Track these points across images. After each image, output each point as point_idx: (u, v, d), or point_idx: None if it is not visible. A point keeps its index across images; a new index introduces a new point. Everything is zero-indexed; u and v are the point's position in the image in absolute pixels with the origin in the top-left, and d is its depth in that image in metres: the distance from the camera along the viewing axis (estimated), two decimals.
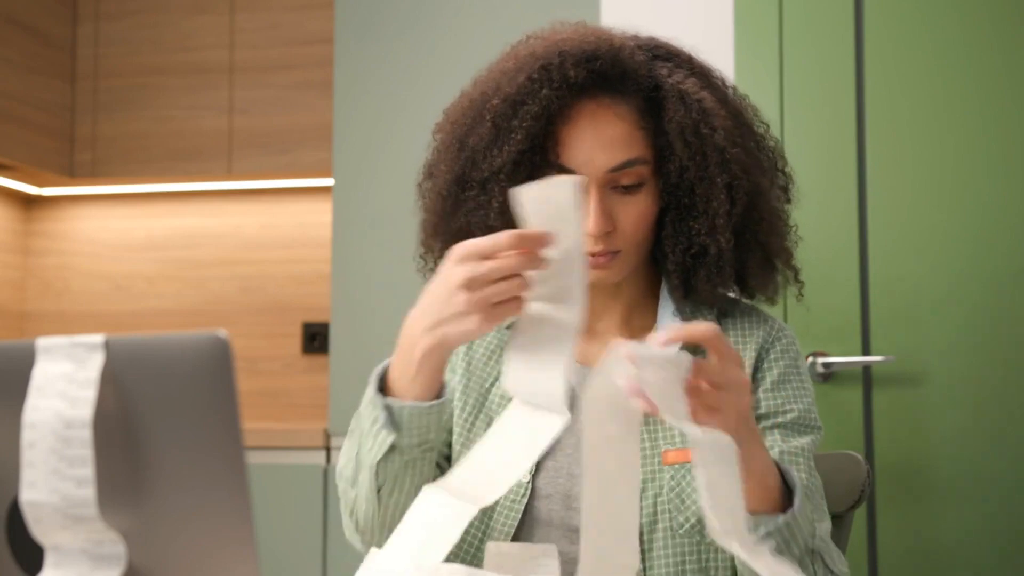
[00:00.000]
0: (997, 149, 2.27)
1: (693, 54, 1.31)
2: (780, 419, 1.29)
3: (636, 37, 1.31)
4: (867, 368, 2.29)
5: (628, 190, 1.23)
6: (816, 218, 2.31)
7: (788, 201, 1.35)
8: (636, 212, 1.24)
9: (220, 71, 3.25)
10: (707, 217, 1.24)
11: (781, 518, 1.07)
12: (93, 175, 3.32)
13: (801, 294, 1.38)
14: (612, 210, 1.23)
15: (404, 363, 1.14)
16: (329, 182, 3.08)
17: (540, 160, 1.22)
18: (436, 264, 1.35)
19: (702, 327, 0.97)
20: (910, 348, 2.27)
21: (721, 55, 2.39)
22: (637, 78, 1.23)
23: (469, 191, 1.27)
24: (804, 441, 1.29)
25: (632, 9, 2.45)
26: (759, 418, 1.29)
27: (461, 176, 1.27)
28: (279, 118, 3.20)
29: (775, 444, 1.27)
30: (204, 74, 3.26)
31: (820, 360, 2.28)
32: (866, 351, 2.30)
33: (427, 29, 2.72)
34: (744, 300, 1.39)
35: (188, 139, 3.25)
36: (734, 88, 1.32)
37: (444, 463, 1.36)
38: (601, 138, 1.22)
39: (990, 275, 2.25)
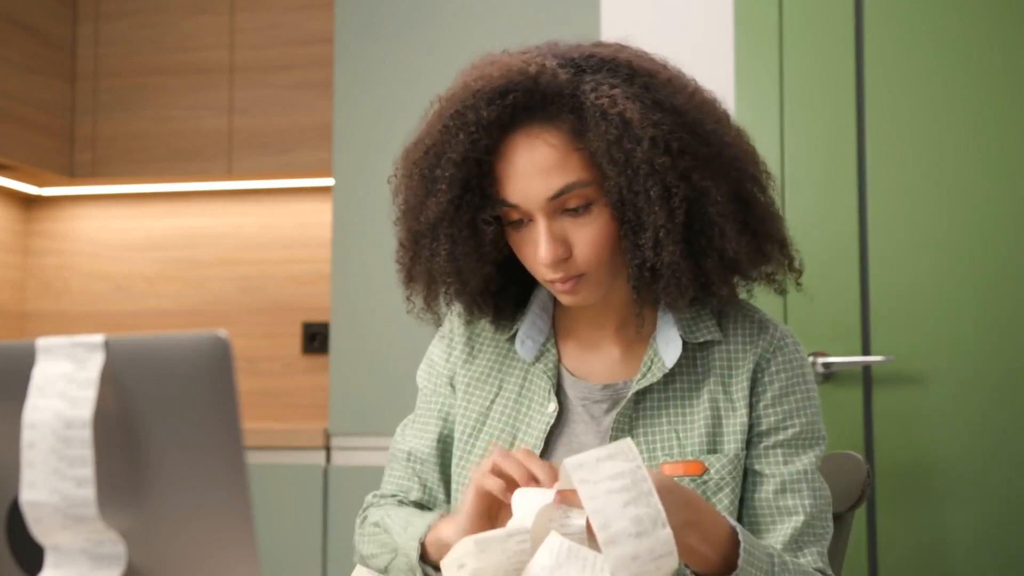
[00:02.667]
0: (997, 149, 2.27)
1: (642, 53, 1.27)
2: (781, 436, 1.28)
3: (576, 47, 1.27)
4: (867, 368, 2.29)
5: (578, 213, 1.21)
6: (816, 218, 2.31)
7: (764, 189, 1.29)
8: (590, 234, 1.22)
9: (220, 71, 3.25)
10: (651, 231, 1.20)
11: None
12: (93, 175, 3.32)
13: (799, 283, 1.34)
14: (565, 235, 1.22)
15: (440, 546, 1.21)
16: (329, 182, 3.08)
17: (480, 200, 1.22)
18: (426, 303, 1.36)
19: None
20: (910, 348, 2.27)
21: (721, 55, 2.39)
22: (561, 101, 1.20)
23: (422, 240, 1.29)
24: (807, 460, 1.28)
25: (632, 9, 2.45)
26: (760, 435, 1.28)
27: (410, 228, 1.30)
28: (279, 118, 3.20)
29: (776, 472, 1.27)
30: (204, 74, 3.26)
31: (820, 360, 2.28)
32: (866, 351, 2.30)
33: (427, 29, 2.72)
34: (746, 301, 1.36)
35: (188, 139, 3.25)
36: (687, 85, 1.26)
37: (438, 489, 1.38)
38: (535, 168, 1.20)
39: (990, 275, 2.25)
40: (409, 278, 1.35)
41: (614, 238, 1.24)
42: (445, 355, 1.40)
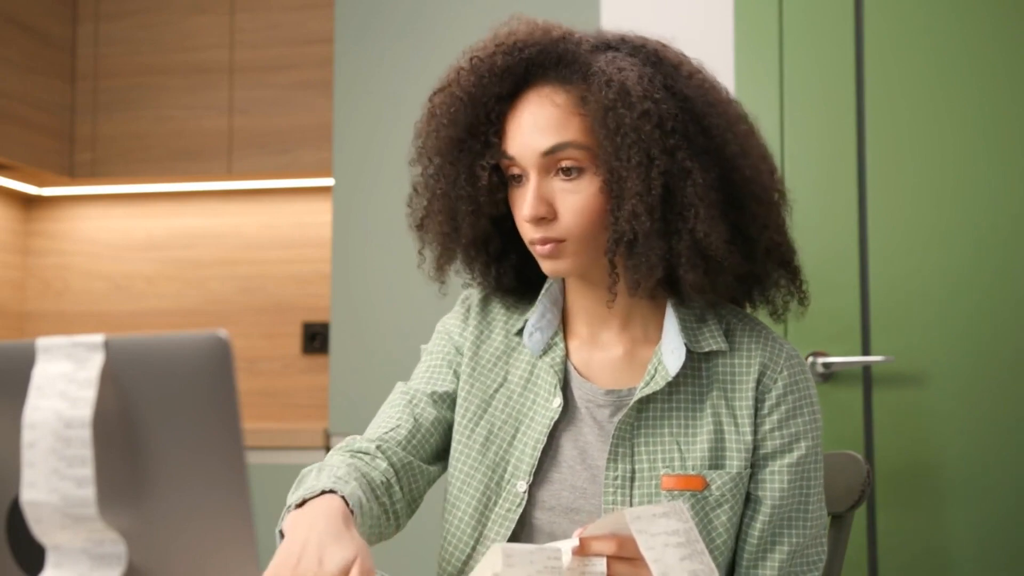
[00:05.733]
0: (997, 149, 2.27)
1: (662, 43, 1.29)
2: (786, 459, 1.28)
3: (600, 34, 1.30)
4: (867, 368, 2.29)
5: (568, 177, 1.24)
6: (816, 219, 2.31)
7: (775, 190, 1.29)
8: (577, 201, 1.24)
9: (220, 71, 3.25)
10: (629, 202, 1.21)
11: None
12: (93, 175, 3.32)
13: (803, 302, 1.34)
14: (552, 197, 1.24)
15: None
16: (329, 182, 3.08)
17: (482, 147, 1.26)
18: (434, 262, 1.36)
19: (609, 547, 1.04)
20: (910, 348, 2.27)
21: (721, 55, 2.39)
22: (575, 66, 1.24)
23: (427, 183, 1.32)
24: (809, 485, 1.29)
25: (632, 9, 2.45)
26: (765, 458, 1.28)
27: (422, 174, 1.34)
28: (279, 118, 3.20)
29: (777, 498, 1.27)
30: (204, 74, 3.26)
31: (820, 360, 2.28)
32: (866, 351, 2.30)
33: (427, 29, 2.72)
34: (754, 317, 1.36)
35: (188, 139, 3.25)
36: (699, 75, 1.27)
37: (432, 430, 1.34)
38: (536, 123, 1.24)
39: (990, 275, 2.25)
40: (420, 225, 1.36)
41: (602, 213, 1.24)
42: (460, 327, 1.40)
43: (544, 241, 1.25)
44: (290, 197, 3.41)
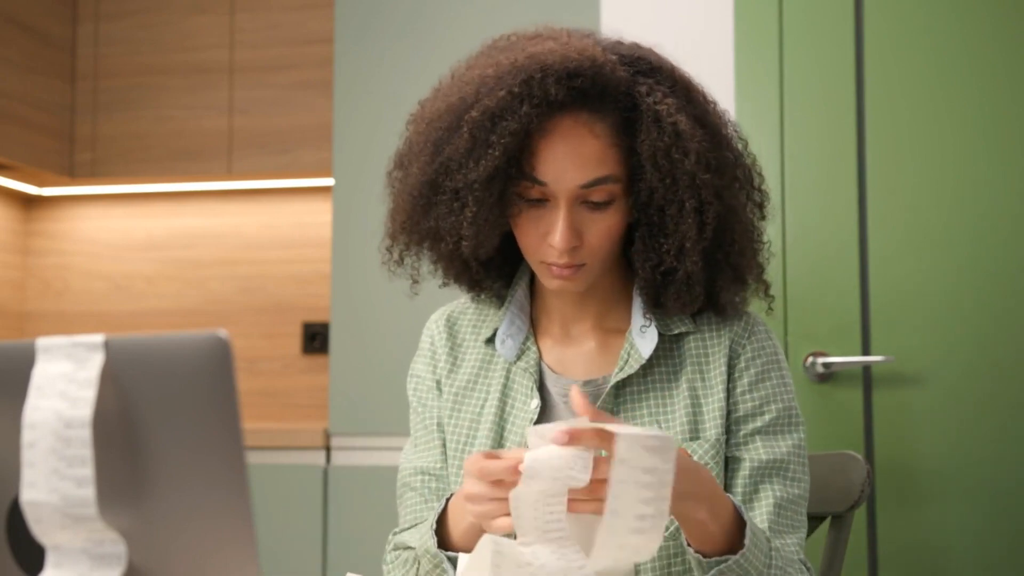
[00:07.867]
0: (997, 149, 2.27)
1: (676, 66, 1.30)
2: (759, 422, 1.30)
3: (619, 45, 1.29)
4: (867, 368, 2.29)
5: (598, 206, 1.23)
6: (816, 218, 2.31)
7: (763, 218, 1.35)
8: (604, 228, 1.24)
9: (220, 71, 3.25)
10: (676, 239, 1.24)
11: (732, 559, 1.13)
12: (93, 175, 3.32)
13: (771, 308, 1.39)
14: (580, 225, 1.23)
15: (460, 514, 1.21)
16: (329, 182, 3.08)
17: (515, 172, 1.22)
18: (400, 257, 1.37)
19: (596, 439, 1.01)
20: (910, 348, 2.27)
21: (721, 55, 2.39)
22: (616, 96, 1.22)
23: (441, 196, 1.26)
24: (788, 444, 1.30)
25: (632, 9, 2.45)
26: (737, 421, 1.30)
27: (434, 181, 1.27)
28: (279, 118, 3.20)
29: (756, 457, 1.28)
30: (204, 74, 3.26)
31: (820, 360, 2.28)
32: (866, 351, 2.30)
33: (427, 29, 2.72)
34: None
35: (188, 139, 3.25)
36: (715, 103, 1.31)
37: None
38: (575, 155, 1.21)
39: (990, 275, 2.25)
40: (402, 228, 1.34)
41: (621, 235, 1.27)
42: (430, 368, 1.41)
43: (567, 266, 1.25)
44: (290, 197, 3.41)
